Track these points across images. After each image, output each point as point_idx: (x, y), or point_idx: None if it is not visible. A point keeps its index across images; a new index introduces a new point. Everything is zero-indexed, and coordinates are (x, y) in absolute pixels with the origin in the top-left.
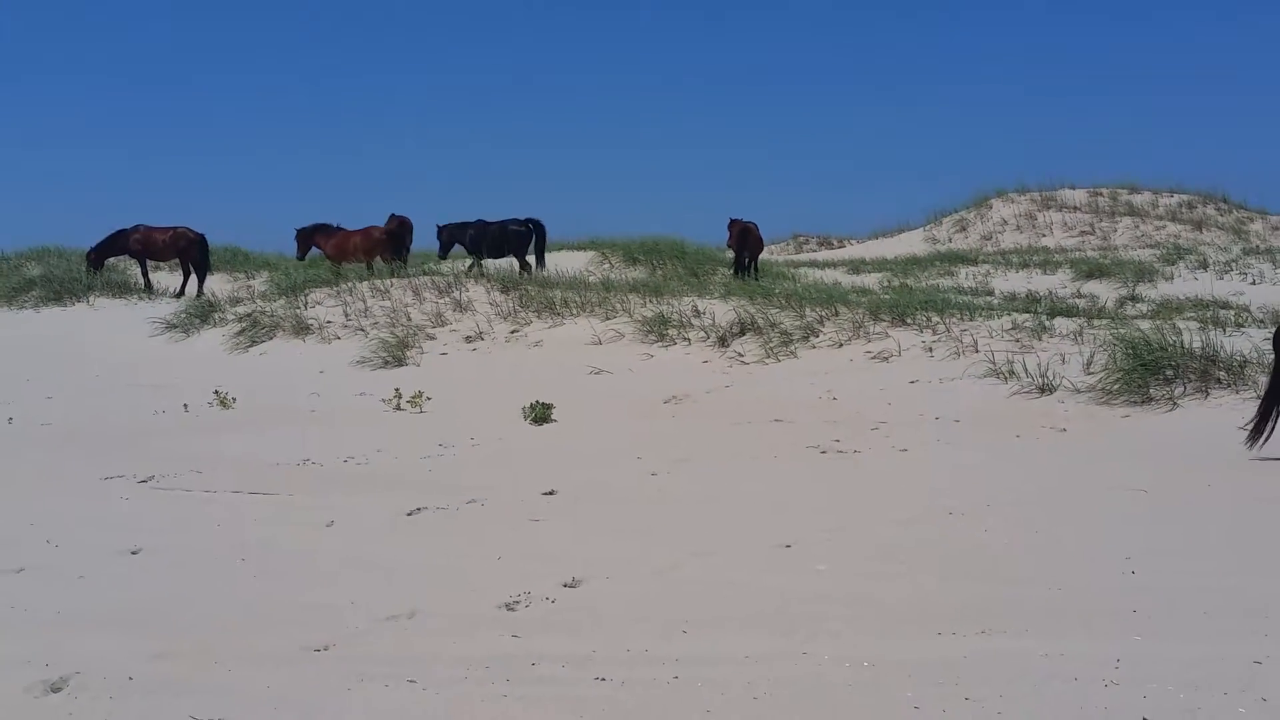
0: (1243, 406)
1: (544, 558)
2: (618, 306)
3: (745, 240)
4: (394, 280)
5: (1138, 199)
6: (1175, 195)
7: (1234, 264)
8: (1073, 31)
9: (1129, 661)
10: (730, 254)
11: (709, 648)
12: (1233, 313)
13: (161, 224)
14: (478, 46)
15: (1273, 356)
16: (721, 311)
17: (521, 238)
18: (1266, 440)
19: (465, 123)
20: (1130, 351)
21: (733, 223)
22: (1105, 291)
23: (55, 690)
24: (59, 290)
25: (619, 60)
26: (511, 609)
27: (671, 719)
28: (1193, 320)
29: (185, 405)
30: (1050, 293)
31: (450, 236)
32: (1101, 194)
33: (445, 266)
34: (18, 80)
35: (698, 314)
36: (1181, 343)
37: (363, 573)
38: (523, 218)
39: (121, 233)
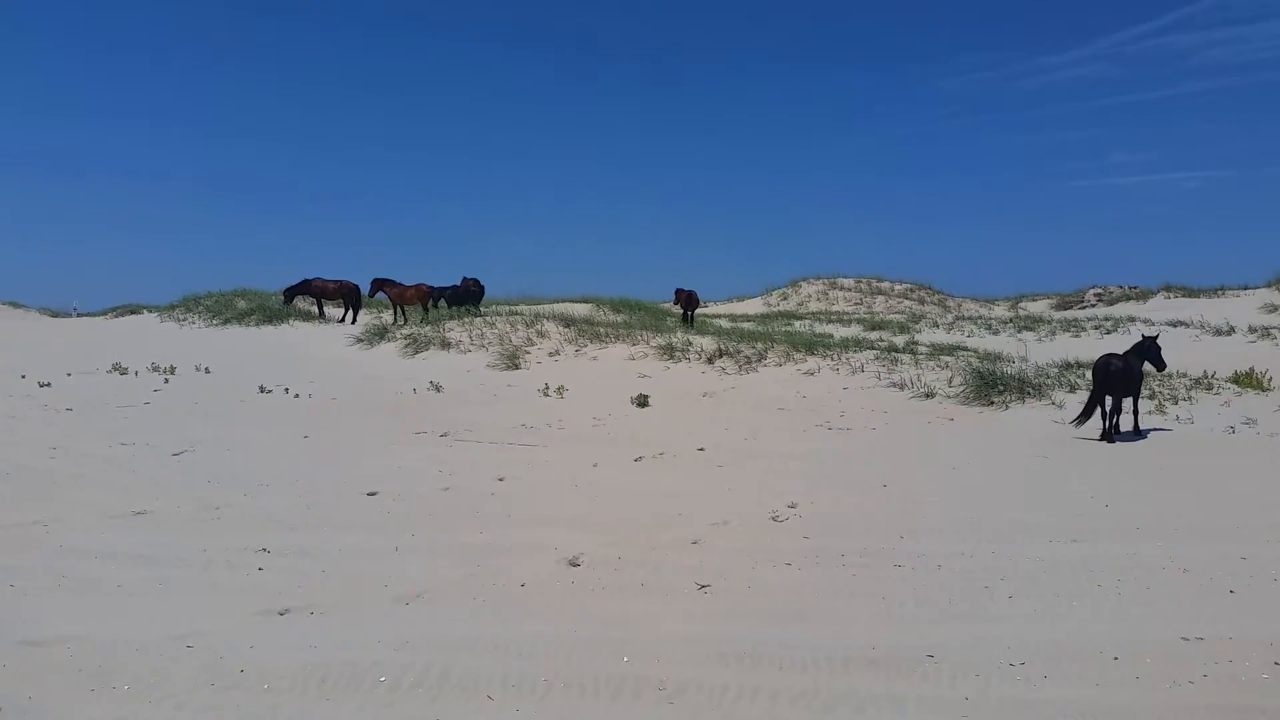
0: (1049, 409)
1: (756, 489)
2: (639, 338)
3: (690, 301)
4: (497, 317)
5: (884, 284)
6: (904, 283)
7: (952, 325)
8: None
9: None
10: (677, 309)
11: (947, 545)
12: (975, 353)
13: (331, 276)
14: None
15: (1090, 377)
16: (707, 343)
17: (481, 293)
18: (1085, 423)
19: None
20: (976, 375)
21: (679, 290)
22: (887, 337)
23: (574, 565)
24: (270, 315)
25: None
26: (776, 520)
27: (977, 589)
28: (968, 355)
29: (414, 389)
30: (861, 338)
31: (439, 294)
32: (864, 281)
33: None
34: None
35: (689, 344)
36: (1007, 370)
37: (662, 497)
38: (475, 279)
39: (306, 280)
